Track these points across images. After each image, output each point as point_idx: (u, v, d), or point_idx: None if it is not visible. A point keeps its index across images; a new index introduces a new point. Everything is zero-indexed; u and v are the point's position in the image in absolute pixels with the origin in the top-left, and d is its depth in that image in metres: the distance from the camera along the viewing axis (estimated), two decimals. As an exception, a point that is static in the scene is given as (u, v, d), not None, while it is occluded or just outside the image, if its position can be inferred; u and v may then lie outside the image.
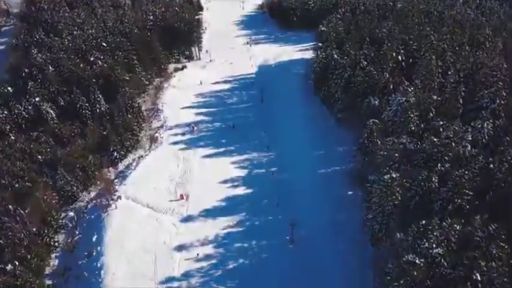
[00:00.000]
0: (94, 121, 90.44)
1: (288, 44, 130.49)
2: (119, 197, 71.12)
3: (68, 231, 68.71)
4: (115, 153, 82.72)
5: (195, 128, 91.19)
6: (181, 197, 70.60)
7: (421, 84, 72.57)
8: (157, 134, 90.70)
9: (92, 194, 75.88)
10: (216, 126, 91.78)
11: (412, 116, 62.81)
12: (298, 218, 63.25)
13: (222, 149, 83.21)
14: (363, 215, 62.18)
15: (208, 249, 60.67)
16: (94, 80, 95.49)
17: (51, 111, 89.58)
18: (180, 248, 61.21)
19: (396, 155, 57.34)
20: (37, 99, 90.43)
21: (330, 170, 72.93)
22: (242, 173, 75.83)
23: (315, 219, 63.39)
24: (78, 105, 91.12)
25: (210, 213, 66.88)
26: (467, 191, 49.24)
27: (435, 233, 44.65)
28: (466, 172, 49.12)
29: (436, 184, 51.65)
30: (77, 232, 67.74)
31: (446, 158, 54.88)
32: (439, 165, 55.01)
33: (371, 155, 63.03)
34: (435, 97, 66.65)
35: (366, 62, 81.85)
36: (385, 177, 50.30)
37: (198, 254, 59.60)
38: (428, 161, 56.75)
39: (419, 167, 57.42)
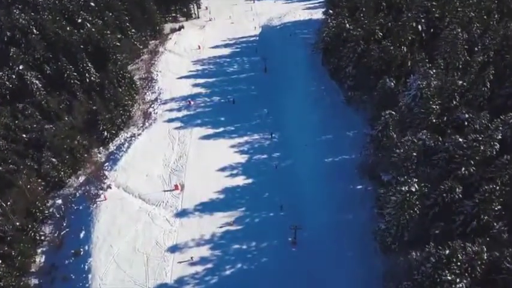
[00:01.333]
0: (83, 93, 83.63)
1: (294, 1, 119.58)
2: (109, 186, 65.80)
3: (55, 221, 64.04)
4: (105, 133, 76.34)
5: (192, 102, 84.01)
6: (176, 187, 65.02)
7: (444, 63, 64.18)
8: (151, 109, 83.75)
9: (81, 179, 70.51)
10: (214, 100, 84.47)
11: (434, 107, 55.19)
12: (302, 215, 58.05)
13: (220, 129, 76.53)
14: (372, 214, 56.97)
15: (204, 251, 55.86)
16: (82, 47, 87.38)
17: (37, 82, 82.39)
18: (174, 248, 56.44)
19: (414, 154, 50.60)
20: (21, 67, 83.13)
21: (337, 159, 66.50)
22: (242, 158, 69.65)
23: (320, 218, 57.94)
24: (65, 75, 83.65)
25: (207, 207, 61.56)
26: (495, 207, 43.16)
27: (458, 259, 39.01)
28: (494, 186, 42.55)
29: (460, 195, 45.41)
30: (65, 224, 63.03)
31: (472, 161, 48.09)
32: (463, 169, 48.47)
33: (385, 150, 56.30)
34: (460, 82, 58.61)
35: (381, 33, 72.72)
36: (403, 188, 43.99)
37: (192, 258, 54.86)
38: (450, 162, 50.16)
39: (439, 168, 51.05)
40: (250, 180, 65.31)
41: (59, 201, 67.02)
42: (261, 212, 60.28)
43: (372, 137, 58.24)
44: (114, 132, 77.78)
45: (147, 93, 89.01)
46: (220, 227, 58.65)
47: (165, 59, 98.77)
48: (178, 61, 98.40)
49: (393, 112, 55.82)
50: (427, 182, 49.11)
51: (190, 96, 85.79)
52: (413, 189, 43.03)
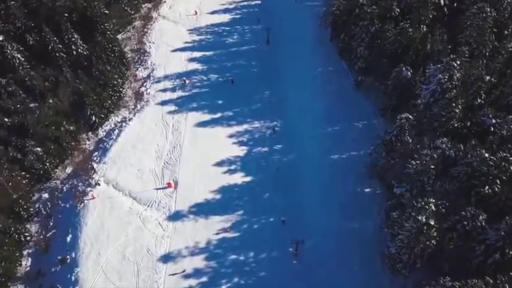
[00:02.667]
0: (70, 68, 76.91)
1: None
2: (97, 183, 61.05)
3: (41, 219, 60.07)
4: (93, 117, 70.44)
5: (188, 81, 77.13)
6: (169, 184, 60.21)
7: (469, 51, 56.72)
8: (143, 89, 77.12)
9: (68, 170, 65.72)
10: (212, 79, 77.46)
11: (457, 111, 48.72)
12: (304, 222, 53.88)
13: (218, 115, 70.37)
14: (380, 223, 52.45)
15: (199, 262, 52.04)
16: (67, 15, 79.30)
17: (19, 56, 75.50)
18: (166, 258, 52.62)
19: (432, 167, 45.00)
20: (0, 38, 75.86)
21: (344, 156, 60.90)
22: (241, 151, 64.17)
23: (323, 225, 53.59)
24: (50, 47, 76.56)
25: (202, 210, 57.09)
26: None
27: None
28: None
29: (483, 223, 40.38)
30: (51, 224, 59.08)
31: (497, 180, 42.58)
32: (486, 188, 43.09)
33: (398, 156, 50.62)
34: (488, 77, 51.66)
35: (398, 10, 64.34)
36: (419, 218, 38.90)
37: (184, 270, 51.11)
38: (472, 178, 44.67)
39: (458, 182, 45.66)
40: (249, 178, 60.27)
41: (45, 196, 62.71)
42: (260, 217, 55.86)
43: (384, 141, 52.21)
44: (103, 116, 71.79)
45: (139, 69, 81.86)
46: (217, 234, 54.46)
47: (158, 27, 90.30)
48: (173, 30, 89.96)
49: (410, 116, 49.43)
50: (445, 199, 44.12)
51: (185, 74, 78.75)
52: (432, 223, 37.85)
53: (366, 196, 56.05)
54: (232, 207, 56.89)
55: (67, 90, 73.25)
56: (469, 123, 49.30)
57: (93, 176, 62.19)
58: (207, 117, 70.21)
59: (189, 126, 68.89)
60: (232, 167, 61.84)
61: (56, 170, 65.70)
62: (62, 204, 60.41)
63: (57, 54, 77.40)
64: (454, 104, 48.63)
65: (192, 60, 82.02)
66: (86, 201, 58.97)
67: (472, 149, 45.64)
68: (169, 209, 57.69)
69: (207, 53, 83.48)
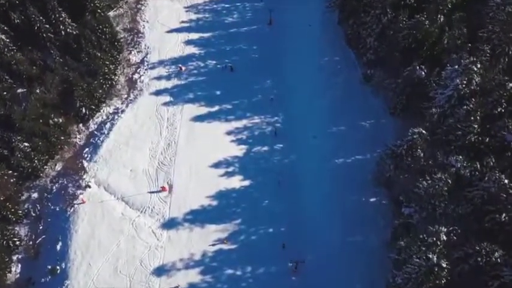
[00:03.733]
0: (59, 51, 72.07)
1: None
2: (88, 185, 57.95)
3: (31, 221, 57.57)
4: (83, 109, 66.33)
5: (184, 68, 72.20)
6: (164, 188, 57.10)
7: (490, 49, 51.52)
8: (136, 76, 72.35)
9: (58, 166, 62.56)
10: (209, 65, 72.46)
11: (476, 126, 44.39)
12: (304, 233, 51.15)
13: (215, 108, 66.10)
14: (385, 238, 49.55)
15: (194, 276, 49.75)
16: (52, -8, 73.41)
17: (3, 37, 70.37)
18: (160, 271, 50.33)
19: (445, 189, 41.45)
20: (-18, 16, 70.72)
21: (349, 161, 57.16)
22: (239, 150, 60.49)
23: (325, 238, 50.81)
24: (36, 28, 71.34)
25: (198, 217, 54.24)
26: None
27: None
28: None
29: (499, 260, 37.31)
30: (41, 227, 56.58)
31: (516, 210, 39.16)
32: (503, 215, 39.71)
33: (408, 170, 46.90)
34: (510, 85, 46.89)
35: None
36: (430, 256, 35.80)
37: (178, 286, 48.93)
38: (487, 202, 41.19)
39: (473, 205, 42.24)
40: (247, 182, 56.97)
41: (35, 195, 59.98)
42: (259, 227, 53.01)
43: (394, 153, 48.24)
44: (94, 107, 67.62)
45: (133, 53, 76.63)
46: (213, 245, 51.86)
47: (153, 3, 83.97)
48: (169, 6, 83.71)
49: (423, 131, 45.15)
50: (456, 224, 40.95)
51: (181, 59, 73.70)
52: (444, 265, 34.75)
53: (371, 206, 52.87)
54: (229, 215, 53.99)
55: (55, 78, 68.67)
56: (487, 139, 44.92)
57: (84, 177, 59.02)
58: (204, 110, 65.97)
59: (184, 121, 64.84)
60: (230, 169, 58.40)
61: (45, 166, 62.41)
62: (52, 207, 57.62)
63: (44, 35, 72.21)
64: (472, 118, 44.17)
65: (188, 43, 76.59)
66: (75, 206, 55.97)
67: (490, 170, 41.73)
68: (164, 216, 54.84)
69: (205, 35, 77.90)
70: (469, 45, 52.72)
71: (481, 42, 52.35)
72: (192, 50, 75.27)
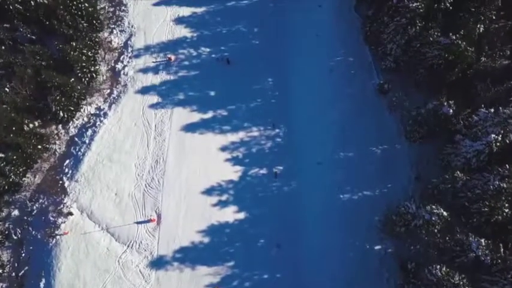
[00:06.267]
0: (28, 28, 63.18)
1: None
2: (70, 212, 53.35)
3: (13, 245, 54.32)
4: (61, 113, 59.06)
5: (173, 58, 63.02)
6: (152, 220, 52.54)
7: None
8: (119, 66, 63.41)
9: (38, 178, 57.59)
10: (203, 55, 63.34)
11: (507, 210, 37.94)
12: (302, 283, 47.65)
13: (209, 114, 58.66)
14: (390, 294, 46.30)
15: (183, 325, 47.60)
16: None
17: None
18: (147, 324, 48.03)
19: (463, 276, 36.87)
20: None
21: (356, 197, 51.36)
22: (234, 173, 54.53)
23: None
24: None
25: (188, 256, 50.35)
26: None
27: None
28: None
29: None
30: (23, 254, 53.34)
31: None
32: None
33: (419, 243, 41.70)
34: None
35: (449, 4, 47.45)
36: None
37: (168, 336, 47.08)
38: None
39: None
40: (242, 216, 52.07)
41: (15, 213, 55.90)
42: (253, 272, 49.36)
43: (404, 218, 42.40)
44: (72, 108, 60.16)
45: (114, 32, 66.58)
46: (203, 291, 48.82)
47: (137, -38, 70.89)
48: (156, -33, 70.78)
49: (444, 213, 38.75)
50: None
51: (171, 44, 64.33)
52: None
53: (375, 256, 48.46)
54: (222, 255, 50.04)
55: (26, 72, 60.19)
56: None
57: (65, 201, 54.14)
58: (196, 117, 58.58)
59: (174, 130, 57.90)
60: (224, 198, 53.12)
61: (24, 178, 57.34)
62: (33, 232, 53.72)
63: (11, 7, 62.91)
64: (503, 198, 37.62)
65: (179, 21, 66.23)
66: (58, 237, 52.00)
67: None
68: (152, 253, 51.02)
69: (198, 10, 67.12)
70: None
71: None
72: (183, 32, 65.13)
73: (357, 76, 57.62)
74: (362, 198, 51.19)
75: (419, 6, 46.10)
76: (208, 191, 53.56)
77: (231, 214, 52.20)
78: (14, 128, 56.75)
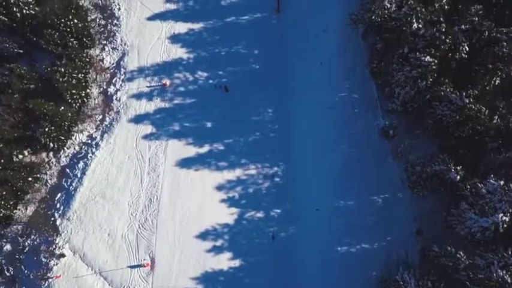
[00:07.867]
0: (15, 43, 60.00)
1: None
2: (62, 254, 52.44)
3: (5, 282, 54.00)
4: (51, 144, 56.77)
5: (168, 83, 59.78)
6: (146, 264, 51.66)
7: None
8: (111, 90, 60.25)
9: (30, 210, 56.43)
10: (200, 80, 59.96)
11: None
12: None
13: (205, 148, 56.24)
14: None
15: None
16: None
17: None
18: None
19: None
20: None
21: (354, 250, 49.81)
22: (230, 216, 52.82)
23: None
24: (-16, 14, 58.36)
25: (181, 308, 50.02)
26: None
27: None
28: None
29: None
30: (16, 292, 53.24)
31: None
32: None
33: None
34: None
35: (468, 47, 43.46)
36: None
37: None
38: None
39: None
40: (237, 263, 50.97)
41: (7, 247, 55.19)
42: (248, 329, 49.03)
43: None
44: (63, 138, 57.74)
45: (106, 49, 62.84)
46: None
47: (131, -29, 65.77)
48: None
49: None
50: None
51: (166, 66, 60.89)
52: None
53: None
54: (215, 312, 49.49)
55: (14, 98, 57.38)
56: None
57: (56, 241, 53.08)
58: (192, 151, 56.20)
59: (168, 165, 55.77)
60: (218, 243, 51.84)
61: (15, 211, 56.15)
62: (26, 271, 53.04)
63: None
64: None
65: (175, 39, 62.35)
66: (50, 280, 51.41)
67: None
68: (145, 300, 50.60)
69: (195, 26, 62.99)
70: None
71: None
72: (179, 52, 61.34)
73: (361, 115, 54.31)
74: (360, 252, 49.74)
75: (433, 63, 42.14)
76: (203, 235, 52.21)
77: (225, 261, 51.10)
78: (1, 161, 54.64)
